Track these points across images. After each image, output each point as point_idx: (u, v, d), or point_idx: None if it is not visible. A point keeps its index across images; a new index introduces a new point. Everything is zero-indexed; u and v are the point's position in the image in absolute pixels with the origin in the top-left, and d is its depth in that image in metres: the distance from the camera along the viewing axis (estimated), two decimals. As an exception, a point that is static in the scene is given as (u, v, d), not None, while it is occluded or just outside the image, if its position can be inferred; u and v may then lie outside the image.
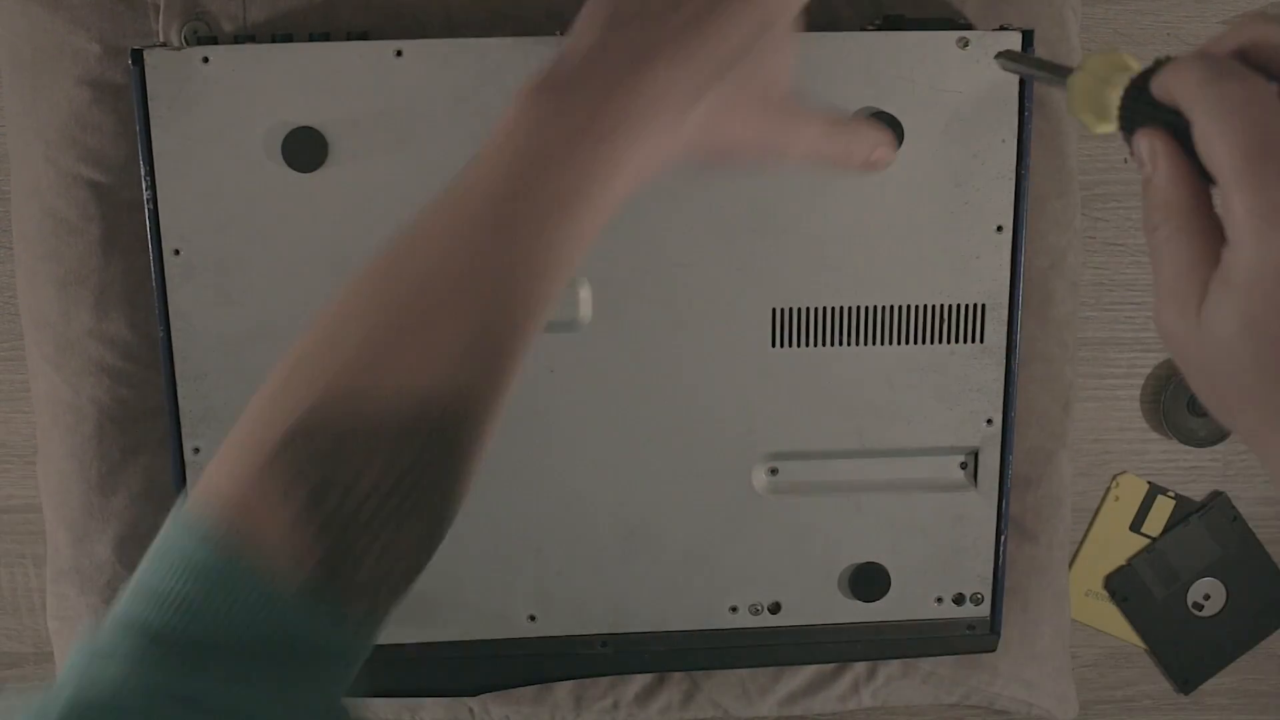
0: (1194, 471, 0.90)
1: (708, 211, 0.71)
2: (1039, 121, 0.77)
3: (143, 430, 0.77)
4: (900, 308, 0.72)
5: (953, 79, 0.70)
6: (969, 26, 0.72)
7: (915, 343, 0.73)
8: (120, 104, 0.74)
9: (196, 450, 0.72)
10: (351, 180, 0.69)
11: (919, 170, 0.71)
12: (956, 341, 0.73)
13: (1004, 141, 0.70)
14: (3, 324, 0.84)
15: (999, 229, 0.72)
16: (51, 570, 0.80)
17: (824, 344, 0.72)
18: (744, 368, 0.72)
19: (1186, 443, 0.89)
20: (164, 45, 0.72)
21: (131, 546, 0.78)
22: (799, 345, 0.72)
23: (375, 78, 0.68)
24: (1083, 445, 0.89)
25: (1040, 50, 0.73)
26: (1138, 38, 0.85)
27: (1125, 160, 0.86)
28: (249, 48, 0.68)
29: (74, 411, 0.77)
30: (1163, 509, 0.89)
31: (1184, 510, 0.89)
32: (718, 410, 0.73)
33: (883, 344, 0.73)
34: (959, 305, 0.72)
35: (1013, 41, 0.71)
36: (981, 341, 0.73)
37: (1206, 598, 0.90)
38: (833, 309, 0.72)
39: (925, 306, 0.72)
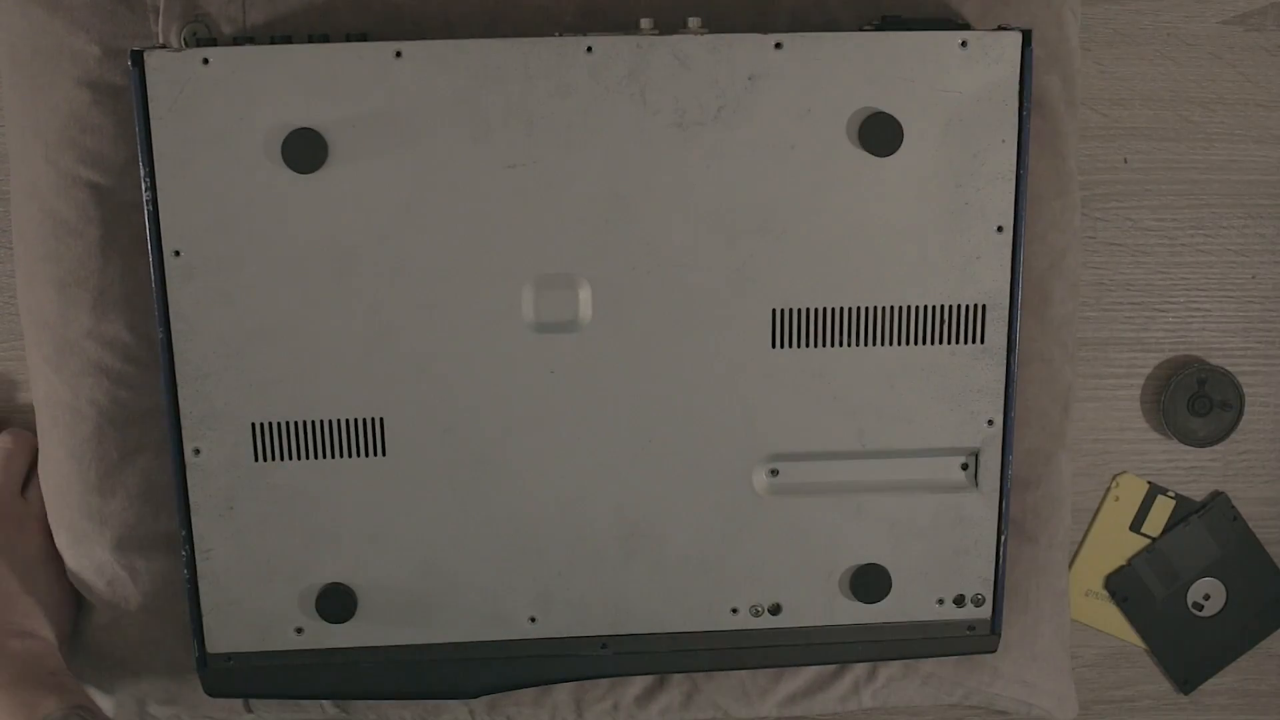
0: (1194, 471, 0.90)
1: (708, 211, 0.70)
2: (1038, 122, 0.77)
3: (141, 432, 0.77)
4: (901, 308, 0.72)
5: (952, 79, 0.70)
6: (968, 27, 0.72)
7: (916, 343, 0.73)
8: (120, 105, 0.74)
9: (197, 451, 0.72)
10: (351, 181, 0.69)
11: (919, 171, 0.71)
12: (957, 342, 0.73)
13: (1004, 142, 0.70)
14: (3, 324, 0.84)
15: (999, 229, 0.72)
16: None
17: (825, 345, 0.72)
18: (745, 368, 0.72)
19: (1186, 443, 0.89)
20: (164, 47, 0.72)
21: (130, 548, 0.78)
22: (800, 346, 0.72)
23: (375, 79, 0.68)
24: (1083, 445, 0.89)
25: (1039, 51, 0.73)
26: (1137, 38, 0.85)
27: (1125, 160, 0.86)
28: (249, 49, 0.68)
29: (73, 412, 0.77)
30: (1163, 509, 0.89)
31: (1184, 510, 0.89)
32: (718, 411, 0.73)
33: (883, 345, 0.72)
34: (960, 306, 0.72)
35: (1012, 42, 0.70)
36: (982, 342, 0.73)
37: (1206, 598, 0.90)
38: (833, 310, 0.72)
39: (926, 307, 0.72)
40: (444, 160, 0.69)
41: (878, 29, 0.72)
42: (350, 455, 0.72)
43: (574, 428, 0.73)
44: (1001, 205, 0.71)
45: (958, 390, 0.73)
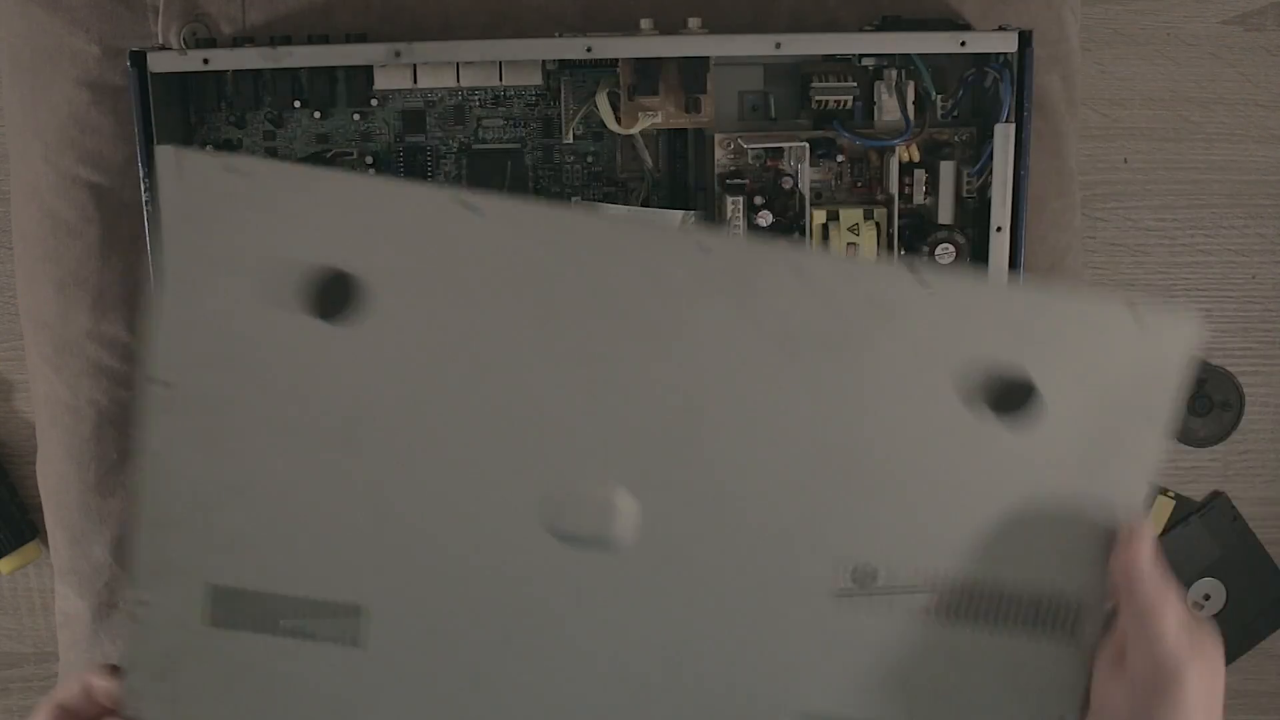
0: (1194, 471, 0.90)
1: (792, 445, 0.61)
2: (1039, 122, 0.77)
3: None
4: (985, 587, 0.61)
5: (1108, 353, 0.59)
6: (968, 27, 0.72)
7: (994, 626, 0.61)
8: (119, 105, 0.74)
9: (143, 603, 0.61)
10: (382, 336, 0.58)
11: (1045, 445, 0.60)
12: (1040, 632, 0.61)
13: (1150, 429, 0.59)
14: (3, 324, 0.84)
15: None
16: (55, 569, 0.80)
17: (892, 612, 0.62)
18: (797, 622, 0.62)
19: (1186, 443, 0.89)
20: (164, 48, 0.72)
21: (129, 548, 0.78)
22: (864, 608, 0.62)
23: (437, 226, 0.58)
24: (1082, 446, 0.89)
25: (1039, 51, 0.73)
26: (1137, 38, 0.85)
27: (1125, 160, 0.86)
28: (292, 170, 0.59)
29: (72, 412, 0.77)
30: (1163, 509, 0.89)
31: (1184, 510, 0.89)
32: (758, 661, 0.63)
33: (958, 621, 0.61)
34: (1053, 597, 0.61)
35: (1011, 42, 0.70)
36: (1072, 634, 0.61)
37: (1206, 598, 0.90)
38: (907, 573, 0.62)
39: (1015, 595, 0.61)
40: (497, 331, 0.59)
41: (877, 29, 0.72)
42: (321, 641, 0.62)
43: (587, 656, 0.62)
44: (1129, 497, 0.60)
45: (1030, 686, 0.62)
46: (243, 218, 0.57)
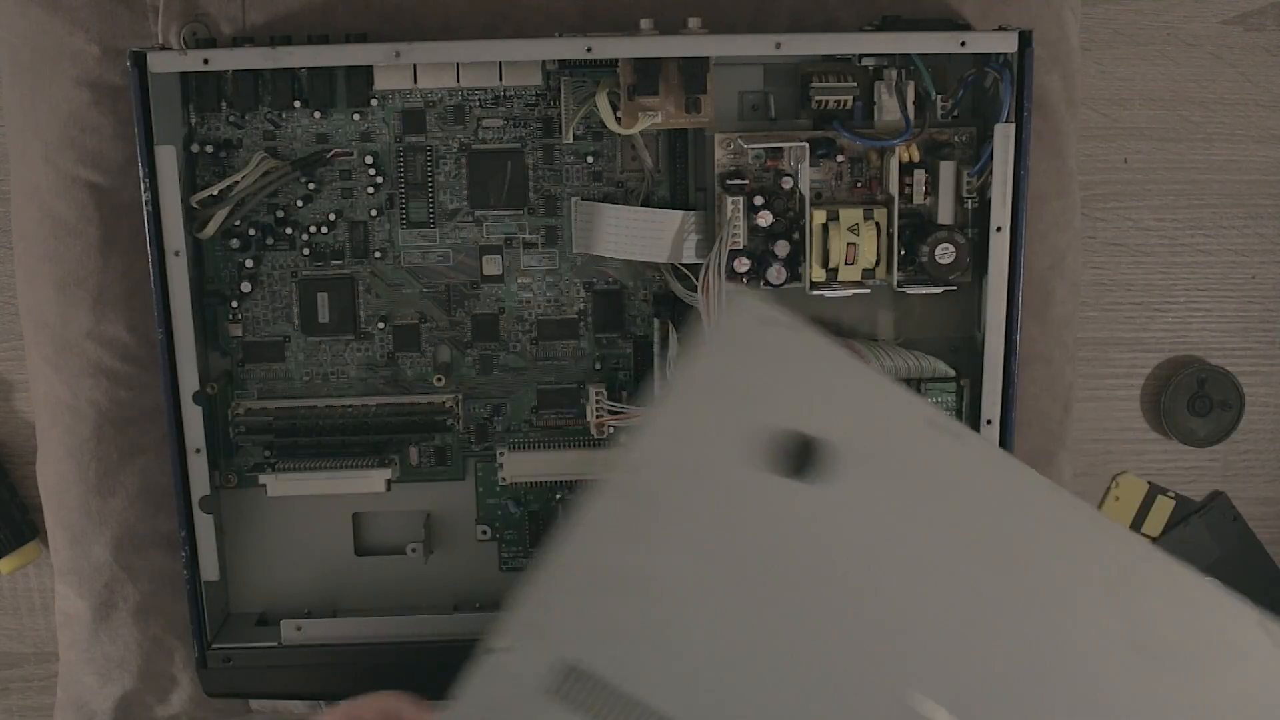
0: (1194, 471, 0.90)
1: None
2: (1039, 122, 0.77)
3: (141, 432, 0.77)
4: None
5: None
6: (968, 27, 0.72)
7: None
8: (119, 105, 0.74)
9: (504, 650, 0.63)
10: (824, 509, 0.61)
11: None
12: None
13: None
14: (3, 324, 0.84)
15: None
16: (55, 569, 0.80)
17: None
18: None
19: (1186, 443, 0.89)
20: (164, 48, 0.72)
21: (129, 548, 0.78)
22: None
23: (909, 428, 0.61)
24: (1083, 445, 0.89)
25: (1039, 51, 0.73)
26: (1137, 38, 0.85)
27: (1125, 160, 0.86)
28: (821, 340, 0.62)
29: (72, 412, 0.77)
30: (1163, 509, 0.89)
31: (1184, 510, 0.89)
32: None
33: None
34: None
35: (1011, 42, 0.70)
36: None
37: (1207, 598, 0.90)
38: None
39: None
40: (908, 533, 0.62)
41: (878, 29, 0.72)
42: None
43: None
44: None
45: None
46: (762, 364, 0.61)
